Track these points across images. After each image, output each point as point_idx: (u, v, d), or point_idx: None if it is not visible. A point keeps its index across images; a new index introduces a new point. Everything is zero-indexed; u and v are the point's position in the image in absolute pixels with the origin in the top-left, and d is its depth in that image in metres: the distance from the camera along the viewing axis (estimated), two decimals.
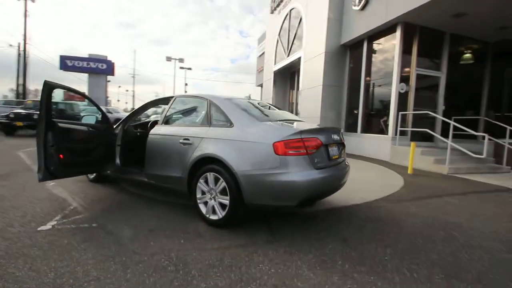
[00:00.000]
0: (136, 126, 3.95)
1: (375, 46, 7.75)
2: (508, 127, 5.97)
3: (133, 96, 49.22)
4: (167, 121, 3.17)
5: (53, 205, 2.97)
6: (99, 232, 2.34)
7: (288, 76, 13.53)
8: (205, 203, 2.60)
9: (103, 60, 28.71)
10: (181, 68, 37.31)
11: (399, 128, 6.75)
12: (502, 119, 7.06)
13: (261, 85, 18.48)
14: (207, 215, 2.55)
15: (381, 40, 7.46)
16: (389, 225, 2.72)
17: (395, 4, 6.41)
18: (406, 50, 6.80)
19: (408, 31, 6.71)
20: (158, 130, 3.11)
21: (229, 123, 2.55)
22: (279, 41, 12.88)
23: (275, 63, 13.46)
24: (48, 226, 2.42)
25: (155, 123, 4.00)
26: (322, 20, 8.69)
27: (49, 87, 2.66)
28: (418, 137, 6.94)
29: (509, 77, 7.93)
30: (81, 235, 2.25)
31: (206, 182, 2.57)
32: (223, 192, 2.43)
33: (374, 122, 7.77)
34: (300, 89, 10.36)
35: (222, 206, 2.46)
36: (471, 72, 7.72)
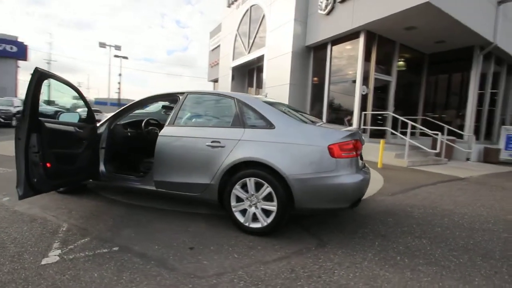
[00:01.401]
0: (125, 126, 3.37)
1: (339, 50, 8.35)
2: (446, 126, 7.28)
3: (49, 86, 41.67)
4: (180, 120, 2.79)
5: (35, 229, 2.33)
6: (130, 257, 1.93)
7: (246, 73, 13.49)
8: (242, 211, 2.41)
9: (12, 41, 23.47)
10: (116, 56, 33.49)
11: (362, 127, 7.47)
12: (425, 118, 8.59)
13: (214, 80, 17.99)
14: (246, 224, 2.37)
15: (345, 44, 8.09)
16: (404, 217, 3.00)
17: (360, 13, 7.01)
18: (367, 56, 7.53)
19: (369, 39, 7.45)
20: (171, 131, 2.72)
21: (269, 125, 2.40)
22: (238, 36, 12.70)
23: (233, 59, 13.24)
24: (54, 257, 1.88)
25: (148, 122, 3.53)
26: (288, 20, 8.91)
27: (39, 76, 2.05)
28: (372, 135, 7.83)
29: (435, 84, 9.59)
30: (111, 264, 1.82)
31: (243, 188, 2.38)
32: (267, 198, 2.29)
33: (338, 121, 8.41)
34: (264, 88, 10.45)
35: (265, 213, 2.32)
36: (413, 78, 9.08)
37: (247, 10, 11.82)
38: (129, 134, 3.33)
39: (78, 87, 2.61)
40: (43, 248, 2.00)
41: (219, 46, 15.68)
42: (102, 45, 28.05)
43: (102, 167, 3.08)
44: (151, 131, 3.50)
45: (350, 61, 7.99)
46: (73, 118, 2.84)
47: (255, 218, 2.36)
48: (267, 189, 2.27)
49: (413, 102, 9.31)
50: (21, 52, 23.85)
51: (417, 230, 2.63)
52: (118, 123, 3.30)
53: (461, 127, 8.04)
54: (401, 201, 3.58)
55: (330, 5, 7.78)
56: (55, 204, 2.94)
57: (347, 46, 8.08)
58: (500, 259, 2.13)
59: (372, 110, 7.74)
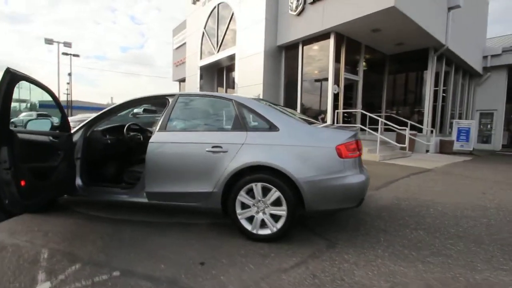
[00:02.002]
0: (104, 132, 3.03)
1: (310, 50, 8.57)
2: (409, 121, 7.93)
3: None
4: (173, 125, 2.58)
5: (8, 259, 1.97)
6: (136, 281, 1.72)
7: (215, 72, 13.20)
8: (248, 218, 2.31)
9: None
10: (65, 54, 30.42)
11: (335, 124, 7.76)
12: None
13: (180, 80, 17.32)
14: (254, 231, 2.28)
15: (316, 45, 8.33)
16: (395, 210, 3.16)
17: (330, 14, 7.27)
18: (337, 57, 7.85)
19: (338, 40, 7.76)
20: (164, 137, 2.50)
21: (273, 127, 2.33)
22: (206, 35, 12.36)
23: (201, 58, 12.86)
24: None
25: (130, 127, 3.23)
26: (259, 19, 8.89)
27: (11, 77, 1.72)
28: None
29: (396, 83, 10.39)
30: None
31: (249, 194, 2.29)
32: (275, 202, 2.22)
33: (312, 118, 8.64)
34: (236, 88, 10.32)
35: (274, 218, 2.26)
36: (376, 78, 9.72)
37: (214, 8, 11.55)
38: (109, 141, 3.00)
39: (52, 91, 2.25)
40: (27, 282, 1.69)
41: (184, 44, 15.11)
42: (49, 41, 25.19)
43: (78, 180, 2.73)
44: (134, 137, 3.21)
45: (321, 61, 8.26)
46: (44, 125, 2.46)
47: (262, 225, 2.28)
48: (275, 193, 2.20)
49: (377, 100, 9.98)
50: None
51: (411, 222, 2.78)
52: (95, 129, 2.96)
53: (420, 122, 8.84)
54: (387, 195, 3.77)
55: (301, 6, 7.94)
56: (24, 226, 2.52)
57: (318, 46, 8.34)
58: (490, 243, 2.33)
59: (343, 109, 8.10)
